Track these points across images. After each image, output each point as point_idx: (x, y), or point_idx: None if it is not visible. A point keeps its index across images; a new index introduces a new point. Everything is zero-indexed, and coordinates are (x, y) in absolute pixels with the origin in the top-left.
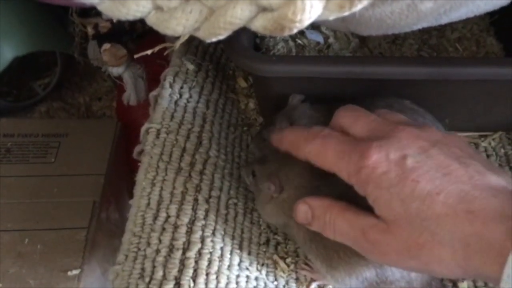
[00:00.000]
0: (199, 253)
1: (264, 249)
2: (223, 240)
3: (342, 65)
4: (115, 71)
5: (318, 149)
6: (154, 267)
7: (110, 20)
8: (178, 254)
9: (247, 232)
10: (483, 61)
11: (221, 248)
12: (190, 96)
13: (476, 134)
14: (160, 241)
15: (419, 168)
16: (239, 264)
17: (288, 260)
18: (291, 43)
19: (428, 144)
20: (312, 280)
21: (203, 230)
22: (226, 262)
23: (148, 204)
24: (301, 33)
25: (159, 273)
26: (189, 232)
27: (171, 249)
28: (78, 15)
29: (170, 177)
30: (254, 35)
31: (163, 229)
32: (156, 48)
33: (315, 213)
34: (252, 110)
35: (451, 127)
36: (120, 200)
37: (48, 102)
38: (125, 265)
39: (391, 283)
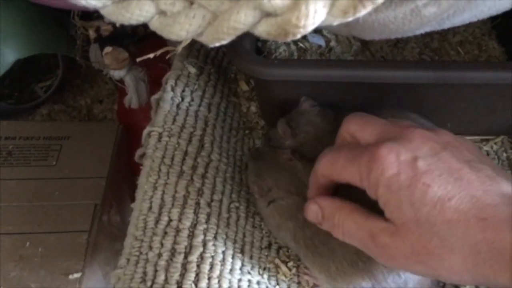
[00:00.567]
0: (201, 257)
1: (266, 253)
2: (225, 244)
3: (343, 69)
4: (117, 74)
5: (330, 160)
6: (156, 271)
7: (112, 23)
8: (180, 258)
9: (249, 236)
10: (485, 65)
11: (223, 252)
12: (192, 100)
13: (478, 138)
14: (162, 245)
15: (431, 171)
16: (241, 268)
17: (290, 264)
18: (293, 47)
19: (439, 146)
20: (315, 285)
21: (205, 234)
22: (228, 266)
23: (150, 207)
24: (303, 36)
25: (161, 277)
26: (191, 236)
27: (173, 253)
28: (80, 18)
29: (172, 181)
30: (256, 38)
31: (165, 233)
32: (158, 52)
33: (325, 213)
34: (254, 113)
35: (452, 131)
36: (121, 203)
37: (50, 105)
38: (127, 269)
39: None
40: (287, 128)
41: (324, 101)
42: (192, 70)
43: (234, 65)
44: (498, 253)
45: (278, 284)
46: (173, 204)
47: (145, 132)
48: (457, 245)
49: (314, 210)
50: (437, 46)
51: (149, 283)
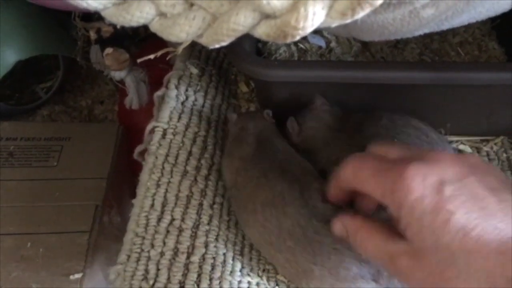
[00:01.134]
0: (203, 258)
1: None
2: (226, 246)
3: (344, 70)
4: (117, 75)
5: (355, 168)
6: (158, 269)
7: (113, 25)
8: (183, 258)
9: (248, 238)
10: (485, 66)
11: (224, 254)
12: (196, 99)
13: (478, 138)
14: (164, 243)
15: (456, 197)
16: (240, 270)
17: None
18: (293, 48)
19: (466, 170)
20: None
21: (207, 236)
22: (229, 268)
23: (152, 205)
24: (303, 37)
25: (163, 276)
26: (194, 236)
27: (175, 252)
28: (81, 20)
29: (176, 180)
30: (257, 39)
31: (168, 231)
32: (159, 53)
33: (349, 231)
34: None
35: (452, 132)
36: (122, 204)
37: (51, 106)
38: (128, 265)
39: None
40: (295, 124)
41: None
42: (194, 70)
43: (235, 67)
44: None
45: (277, 285)
46: (176, 203)
47: (148, 127)
48: (474, 277)
49: (339, 228)
50: (437, 47)
51: (151, 282)
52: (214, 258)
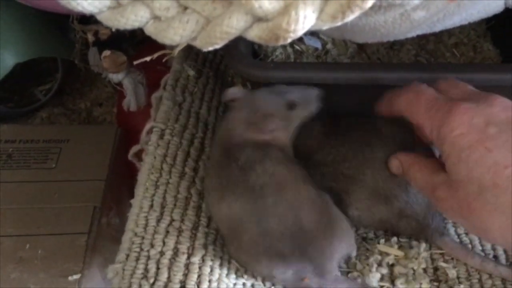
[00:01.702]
0: (203, 260)
1: None
2: (222, 249)
3: (340, 72)
4: (115, 77)
5: (412, 98)
6: (158, 268)
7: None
8: (183, 258)
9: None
10: (480, 67)
11: (221, 257)
12: (193, 101)
13: None
14: (164, 243)
15: (497, 137)
16: (236, 273)
17: None
18: (289, 49)
19: None
20: None
21: (206, 238)
22: (225, 271)
23: (151, 205)
24: (300, 39)
25: (164, 275)
26: (193, 238)
27: (175, 252)
28: (78, 22)
29: (174, 181)
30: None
31: (167, 232)
32: (155, 55)
33: (403, 166)
34: None
35: None
36: (120, 206)
37: (49, 108)
38: (127, 264)
39: None
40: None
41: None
42: (191, 72)
43: (231, 68)
44: None
45: (274, 284)
46: (175, 205)
47: (146, 127)
48: (499, 210)
49: (396, 164)
50: (433, 48)
51: (151, 280)
52: (212, 260)
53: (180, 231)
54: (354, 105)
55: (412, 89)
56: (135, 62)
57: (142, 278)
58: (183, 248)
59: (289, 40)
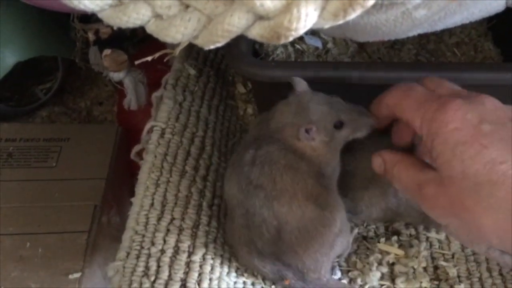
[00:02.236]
0: (203, 258)
1: None
2: (223, 247)
3: (340, 71)
4: (116, 76)
5: (401, 94)
6: (159, 266)
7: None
8: (184, 256)
9: None
10: (481, 66)
11: (221, 256)
12: (193, 100)
13: None
14: (165, 241)
15: (492, 135)
16: (236, 271)
17: None
18: (290, 48)
19: (507, 116)
20: None
21: (206, 236)
22: (225, 269)
23: (152, 204)
24: (300, 38)
25: (164, 273)
26: (194, 236)
27: (176, 250)
28: (79, 21)
29: (175, 179)
30: (253, 40)
31: (168, 230)
32: (157, 55)
33: (387, 166)
34: (251, 115)
35: None
36: (121, 204)
37: (50, 107)
38: (127, 262)
39: None
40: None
41: None
42: (192, 71)
43: (232, 67)
44: None
45: (273, 283)
46: (176, 203)
47: (147, 126)
48: (494, 207)
49: (378, 162)
50: (434, 48)
51: (152, 278)
52: (213, 258)
53: (180, 230)
54: (355, 103)
55: (402, 85)
56: (136, 62)
57: (142, 276)
58: (184, 246)
59: (291, 39)
